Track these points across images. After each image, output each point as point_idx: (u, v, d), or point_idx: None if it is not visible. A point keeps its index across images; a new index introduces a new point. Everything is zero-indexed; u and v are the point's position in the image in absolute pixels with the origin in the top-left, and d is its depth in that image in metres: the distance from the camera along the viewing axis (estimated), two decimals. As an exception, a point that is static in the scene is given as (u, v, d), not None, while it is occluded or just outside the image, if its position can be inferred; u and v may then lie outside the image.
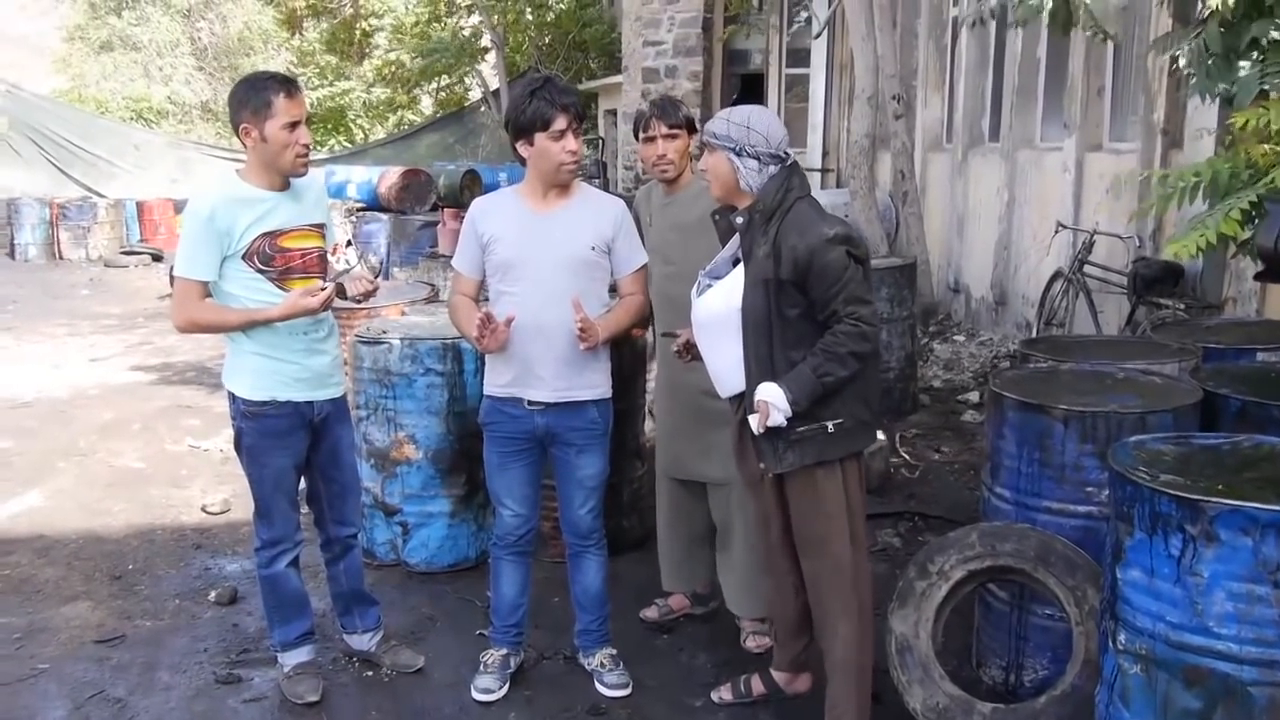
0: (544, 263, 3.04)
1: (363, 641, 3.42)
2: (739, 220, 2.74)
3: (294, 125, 2.91)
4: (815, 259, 2.63)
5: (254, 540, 3.20)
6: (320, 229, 3.11)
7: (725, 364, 2.81)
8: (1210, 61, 3.60)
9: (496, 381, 3.16)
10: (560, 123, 2.99)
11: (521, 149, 3.05)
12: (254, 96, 2.89)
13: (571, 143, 3.02)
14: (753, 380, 2.73)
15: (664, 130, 3.37)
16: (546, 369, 3.06)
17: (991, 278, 8.38)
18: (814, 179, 12.33)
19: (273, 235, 2.96)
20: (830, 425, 2.70)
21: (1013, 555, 2.96)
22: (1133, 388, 3.23)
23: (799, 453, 2.73)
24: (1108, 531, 2.59)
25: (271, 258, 2.97)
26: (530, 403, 3.09)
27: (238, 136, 2.94)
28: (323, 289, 3.00)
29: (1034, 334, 7.29)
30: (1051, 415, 3.00)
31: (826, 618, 2.86)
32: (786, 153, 2.76)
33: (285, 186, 3.02)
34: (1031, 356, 3.79)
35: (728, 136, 2.72)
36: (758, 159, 2.71)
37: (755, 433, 2.68)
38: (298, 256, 3.03)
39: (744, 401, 2.80)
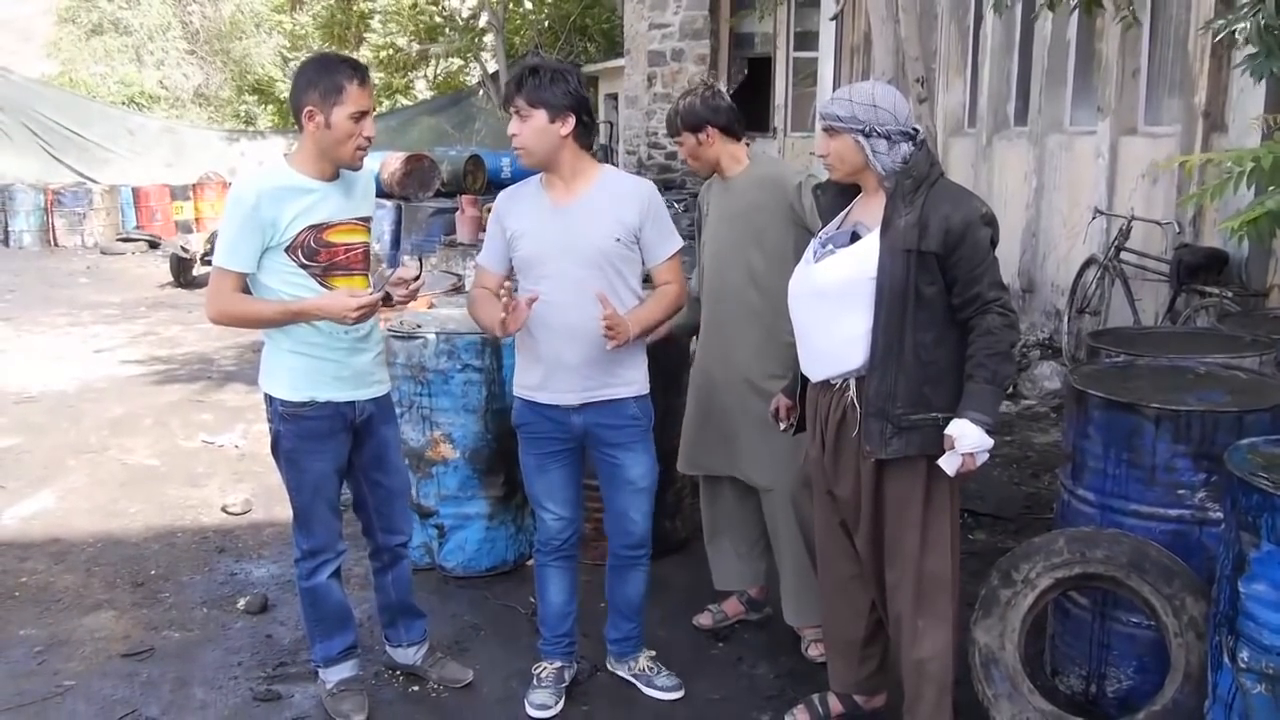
0: (565, 258, 2.85)
1: (408, 655, 3.24)
2: (887, 184, 2.55)
3: (361, 116, 2.72)
4: (969, 233, 2.50)
5: (293, 551, 3.01)
6: (367, 223, 2.92)
7: (837, 339, 2.58)
8: (1273, 38, 3.43)
9: (526, 382, 2.99)
10: None
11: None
12: (325, 79, 2.69)
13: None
14: (875, 361, 2.54)
15: (675, 139, 3.38)
16: (576, 368, 2.88)
17: (1019, 265, 8.20)
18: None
19: (319, 228, 2.77)
20: (941, 419, 2.51)
21: (1104, 562, 2.81)
22: (1218, 384, 3.08)
23: (905, 440, 2.54)
24: (1223, 540, 2.44)
25: (316, 252, 2.77)
26: (566, 405, 2.93)
27: (297, 119, 2.75)
28: (371, 295, 2.79)
29: (1065, 322, 7.13)
30: (1142, 414, 2.85)
31: (915, 629, 2.67)
32: (915, 128, 2.58)
33: (335, 176, 2.82)
34: (1101, 350, 3.64)
35: (854, 118, 2.53)
36: (887, 137, 2.52)
37: (949, 475, 2.51)
38: (342, 251, 2.83)
39: (843, 383, 2.62)
